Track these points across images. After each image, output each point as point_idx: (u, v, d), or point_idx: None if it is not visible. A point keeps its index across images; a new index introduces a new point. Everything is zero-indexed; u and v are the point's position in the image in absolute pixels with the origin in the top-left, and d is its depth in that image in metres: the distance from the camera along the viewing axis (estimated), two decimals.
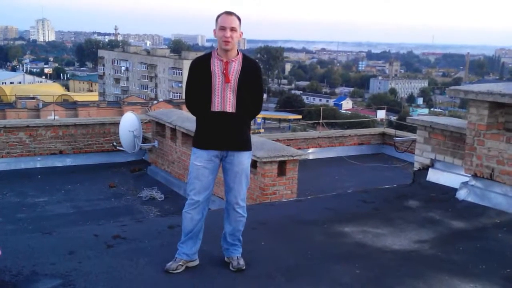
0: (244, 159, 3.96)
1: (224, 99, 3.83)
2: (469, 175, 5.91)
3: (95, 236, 4.66)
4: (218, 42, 3.83)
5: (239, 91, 3.84)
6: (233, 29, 3.78)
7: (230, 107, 3.84)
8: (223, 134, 3.87)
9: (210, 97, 3.85)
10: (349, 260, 4.33)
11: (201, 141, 3.94)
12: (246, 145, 3.97)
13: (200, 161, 3.92)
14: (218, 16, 3.85)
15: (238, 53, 3.90)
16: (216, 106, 3.84)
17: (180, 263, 3.97)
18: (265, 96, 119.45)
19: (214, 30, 3.86)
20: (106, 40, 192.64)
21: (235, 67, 3.85)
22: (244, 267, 4.01)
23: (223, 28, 3.78)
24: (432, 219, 5.41)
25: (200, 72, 3.89)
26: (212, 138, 3.89)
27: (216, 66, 3.84)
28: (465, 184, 5.97)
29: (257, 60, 4.15)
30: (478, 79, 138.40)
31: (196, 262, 4.08)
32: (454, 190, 6.06)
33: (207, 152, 3.91)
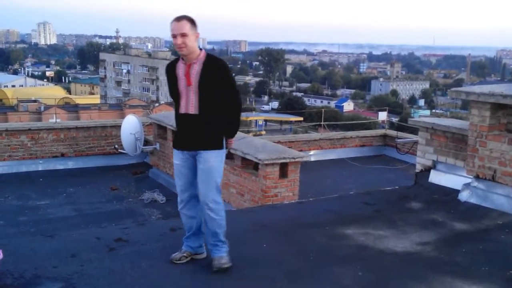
0: (210, 157, 3.95)
1: (187, 101, 3.91)
2: (471, 177, 5.90)
3: (97, 239, 4.66)
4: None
5: (201, 92, 3.87)
6: (183, 35, 3.79)
7: (193, 109, 3.90)
8: (188, 135, 3.96)
9: (179, 100, 3.96)
10: (351, 262, 4.32)
11: (174, 142, 4.11)
12: (213, 145, 3.96)
13: (177, 159, 4.06)
14: (171, 23, 3.87)
15: (201, 54, 3.91)
16: (182, 109, 3.94)
17: (185, 255, 4.07)
18: (266, 97, 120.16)
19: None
20: (108, 43, 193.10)
21: (196, 68, 3.88)
22: (227, 265, 3.96)
23: (173, 36, 3.83)
24: (434, 221, 5.40)
25: (170, 77, 4.01)
26: (181, 139, 4.02)
27: (180, 70, 3.94)
28: (467, 185, 5.96)
29: (221, 58, 4.12)
30: (479, 80, 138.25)
31: (203, 255, 4.15)
32: (456, 191, 6.05)
33: (181, 152, 4.03)
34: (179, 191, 4.10)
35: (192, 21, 3.86)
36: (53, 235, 4.86)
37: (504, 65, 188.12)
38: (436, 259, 4.43)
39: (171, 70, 4.00)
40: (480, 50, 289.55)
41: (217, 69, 3.91)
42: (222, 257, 3.99)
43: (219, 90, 3.90)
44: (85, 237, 4.78)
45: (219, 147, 4.01)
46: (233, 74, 4.02)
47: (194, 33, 3.86)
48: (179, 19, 3.84)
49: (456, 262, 4.39)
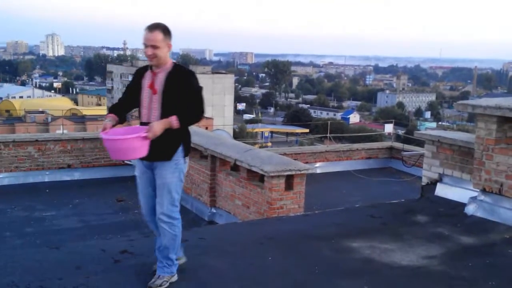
0: (166, 172, 3.85)
1: (150, 110, 3.84)
2: (478, 190, 5.87)
3: (102, 251, 4.66)
4: None
5: (164, 101, 3.79)
6: (154, 46, 3.71)
7: (154, 118, 3.80)
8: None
9: (140, 109, 3.92)
10: (357, 276, 4.30)
11: None
12: (170, 156, 3.84)
13: (137, 171, 4.02)
14: (144, 31, 3.78)
15: (168, 64, 3.83)
16: (143, 117, 3.89)
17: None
18: (272, 109, 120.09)
19: None
20: (115, 54, 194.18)
21: (160, 77, 3.80)
22: (162, 287, 3.86)
23: (144, 45, 3.76)
24: (440, 234, 5.37)
25: (134, 83, 3.96)
26: None
27: (146, 78, 3.88)
28: (473, 199, 5.93)
29: (190, 69, 3.96)
30: (486, 93, 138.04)
31: (184, 259, 4.18)
32: (463, 205, 6.02)
33: (140, 162, 3.96)
34: (142, 207, 4.09)
35: (165, 31, 3.76)
36: (58, 247, 4.87)
37: (511, 78, 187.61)
38: (443, 273, 4.40)
39: (138, 77, 3.94)
40: (487, 63, 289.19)
41: (182, 77, 3.80)
42: (161, 277, 3.90)
43: (182, 99, 3.77)
44: (91, 249, 4.78)
45: (176, 159, 3.87)
46: (200, 85, 3.87)
47: (167, 44, 3.77)
48: (152, 29, 3.72)
49: (463, 276, 4.36)
